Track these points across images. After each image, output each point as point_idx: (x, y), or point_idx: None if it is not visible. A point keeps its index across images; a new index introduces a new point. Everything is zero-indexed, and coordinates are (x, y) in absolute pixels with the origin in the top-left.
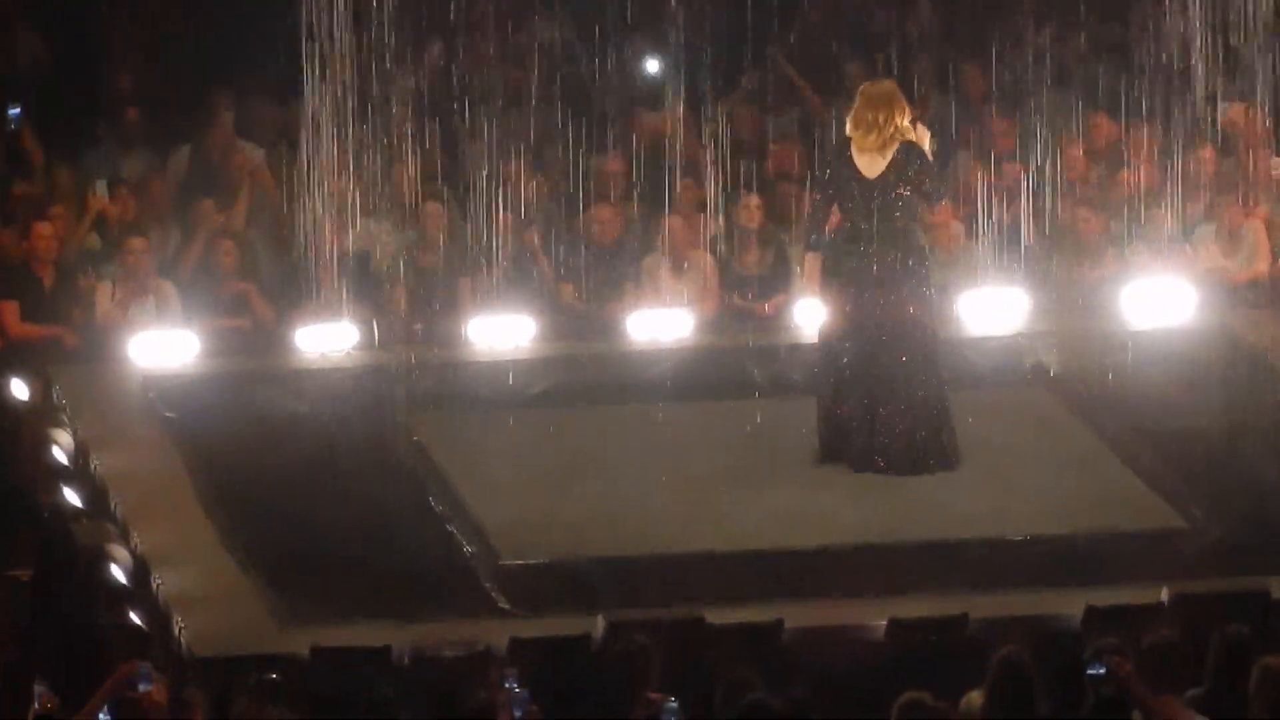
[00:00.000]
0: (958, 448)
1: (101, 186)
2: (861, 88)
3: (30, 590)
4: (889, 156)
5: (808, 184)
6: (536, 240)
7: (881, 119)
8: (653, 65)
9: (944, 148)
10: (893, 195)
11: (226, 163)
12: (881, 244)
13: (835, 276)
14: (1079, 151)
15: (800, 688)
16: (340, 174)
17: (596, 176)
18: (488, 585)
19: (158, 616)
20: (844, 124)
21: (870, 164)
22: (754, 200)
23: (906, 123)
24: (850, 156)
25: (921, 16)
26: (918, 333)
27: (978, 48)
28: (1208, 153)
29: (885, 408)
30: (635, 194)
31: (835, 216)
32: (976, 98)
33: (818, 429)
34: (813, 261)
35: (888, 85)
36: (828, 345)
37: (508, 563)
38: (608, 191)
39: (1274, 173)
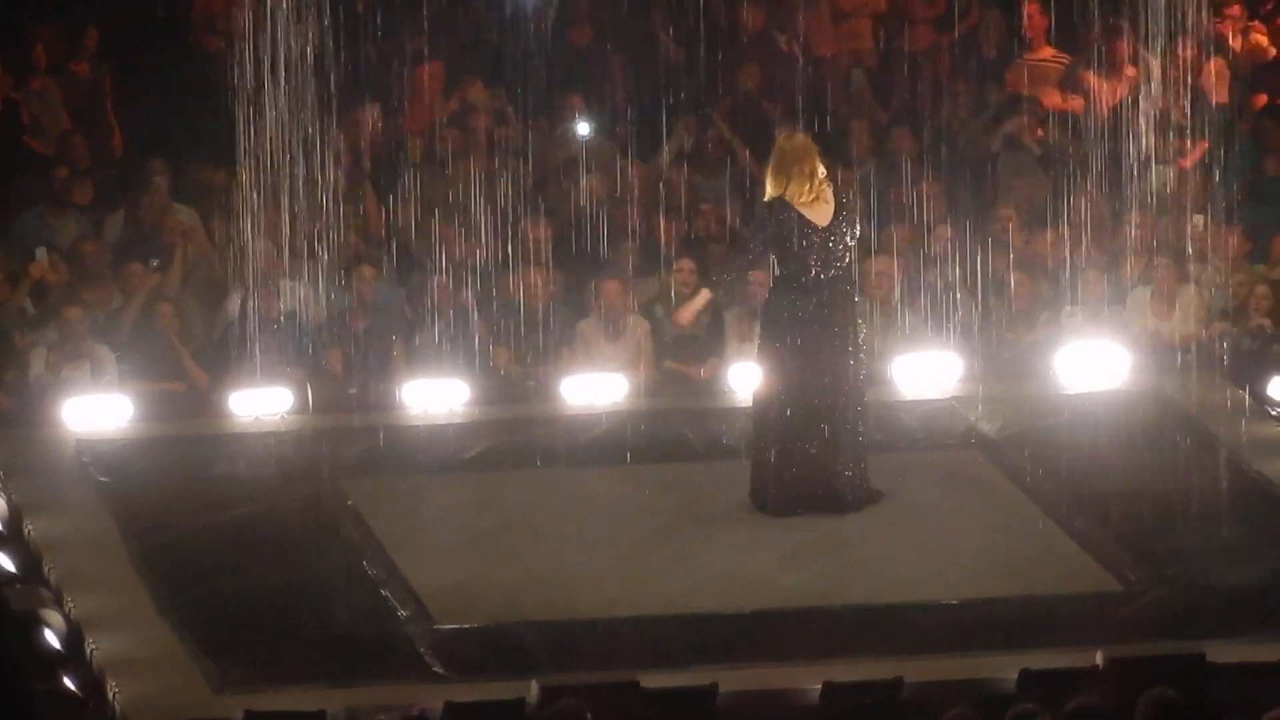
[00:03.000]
0: (871, 488)
1: (42, 254)
2: (778, 144)
3: None
4: (830, 203)
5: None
6: (470, 303)
7: (808, 170)
8: (585, 127)
9: (876, 211)
10: (841, 240)
11: (161, 226)
12: (831, 287)
13: (776, 325)
14: (1006, 213)
15: None
16: (274, 237)
17: (529, 239)
18: (422, 650)
19: (92, 682)
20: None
21: (816, 213)
22: (687, 264)
23: (823, 172)
24: (793, 211)
25: (855, 81)
26: (853, 373)
27: (909, 113)
28: (1142, 215)
29: (816, 450)
30: (569, 257)
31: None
32: (908, 161)
33: (756, 481)
34: (699, 300)
35: (801, 137)
36: (769, 399)
37: (442, 627)
38: (541, 255)
39: (1196, 229)
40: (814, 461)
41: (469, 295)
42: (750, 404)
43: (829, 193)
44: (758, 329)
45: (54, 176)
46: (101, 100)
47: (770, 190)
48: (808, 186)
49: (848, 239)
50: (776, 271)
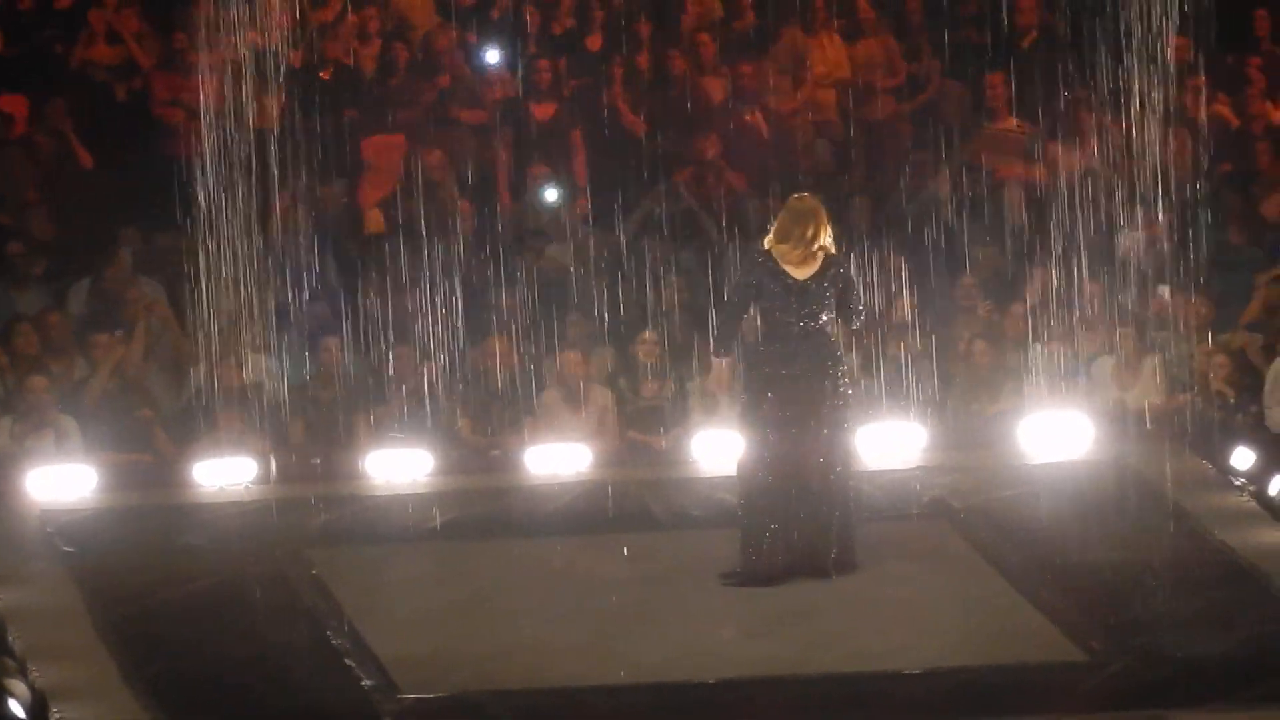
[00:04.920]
0: (855, 556)
1: None
2: (788, 202)
3: None
4: (817, 262)
5: (725, 292)
6: (434, 373)
7: (809, 234)
8: (550, 197)
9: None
10: (820, 297)
11: (125, 297)
12: (806, 341)
13: (754, 382)
14: (969, 282)
15: None
16: (238, 308)
17: (493, 310)
18: None
19: None
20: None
21: (797, 270)
22: (651, 335)
23: (829, 239)
24: (776, 263)
25: (819, 154)
26: (832, 431)
27: (871, 184)
28: (1105, 285)
29: (805, 512)
30: (532, 327)
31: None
32: (871, 231)
33: (744, 552)
34: (719, 366)
35: (811, 201)
36: (754, 461)
37: (407, 697)
38: (505, 325)
39: (1160, 300)
40: (803, 524)
41: (432, 365)
42: (736, 471)
43: (820, 256)
44: (738, 389)
45: (9, 251)
46: (64, 172)
47: (770, 241)
48: (800, 248)
49: (827, 296)
50: (759, 329)
